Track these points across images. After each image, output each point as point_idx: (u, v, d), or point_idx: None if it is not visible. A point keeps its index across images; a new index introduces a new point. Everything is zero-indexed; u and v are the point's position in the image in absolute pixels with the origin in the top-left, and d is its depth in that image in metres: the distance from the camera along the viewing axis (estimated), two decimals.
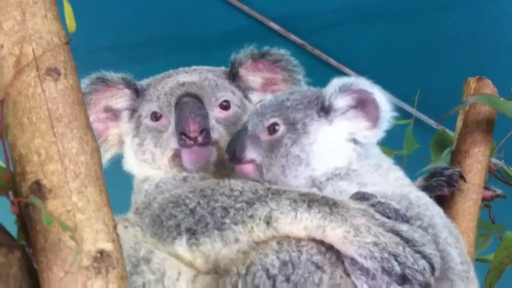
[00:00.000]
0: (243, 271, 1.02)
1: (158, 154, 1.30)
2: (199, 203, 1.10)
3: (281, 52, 1.41)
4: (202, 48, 2.74)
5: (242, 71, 1.40)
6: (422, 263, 0.96)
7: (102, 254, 0.87)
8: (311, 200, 1.04)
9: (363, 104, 1.15)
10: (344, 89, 1.15)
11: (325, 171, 1.16)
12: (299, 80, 1.42)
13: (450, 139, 1.59)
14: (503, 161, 1.66)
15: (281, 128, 1.17)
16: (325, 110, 1.16)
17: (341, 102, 1.15)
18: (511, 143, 1.56)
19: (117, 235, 0.91)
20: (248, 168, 1.18)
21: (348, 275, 1.00)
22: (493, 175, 1.56)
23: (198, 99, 1.29)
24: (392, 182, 1.18)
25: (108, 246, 0.88)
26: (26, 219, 0.89)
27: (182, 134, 1.25)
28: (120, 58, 2.76)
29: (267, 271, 1.00)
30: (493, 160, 1.60)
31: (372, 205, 1.04)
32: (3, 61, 0.91)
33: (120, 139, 1.41)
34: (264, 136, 1.18)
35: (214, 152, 1.28)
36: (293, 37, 2.77)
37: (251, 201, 1.07)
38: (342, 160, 1.16)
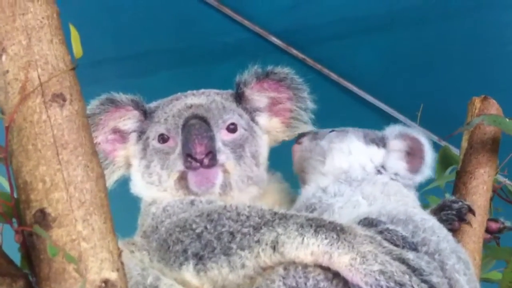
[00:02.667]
0: None
1: (165, 176, 1.30)
2: (206, 227, 1.09)
3: (285, 70, 1.41)
4: (203, 62, 2.74)
5: (247, 92, 1.40)
6: None
7: (106, 284, 0.86)
8: (318, 226, 1.03)
9: (412, 152, 1.31)
10: (403, 134, 1.32)
11: (329, 171, 1.29)
12: (304, 98, 1.42)
13: (454, 157, 1.59)
14: (506, 179, 1.65)
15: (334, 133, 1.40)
16: (377, 144, 1.34)
17: (397, 144, 1.32)
18: None
19: (122, 263, 0.90)
20: (296, 147, 1.44)
21: None
22: (496, 193, 1.56)
23: (205, 121, 1.29)
24: (393, 201, 1.20)
25: (112, 276, 0.87)
26: (30, 247, 0.88)
27: (188, 156, 1.24)
28: (121, 71, 2.75)
29: None
30: (497, 176, 1.60)
31: (380, 232, 1.04)
32: (8, 87, 0.90)
33: (127, 161, 1.40)
34: (321, 135, 1.41)
35: (220, 174, 1.27)
36: (294, 51, 2.76)
37: (257, 226, 1.06)
38: (346, 166, 1.30)
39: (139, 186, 1.36)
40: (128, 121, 1.37)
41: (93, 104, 1.33)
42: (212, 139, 1.26)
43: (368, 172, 1.29)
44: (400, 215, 1.11)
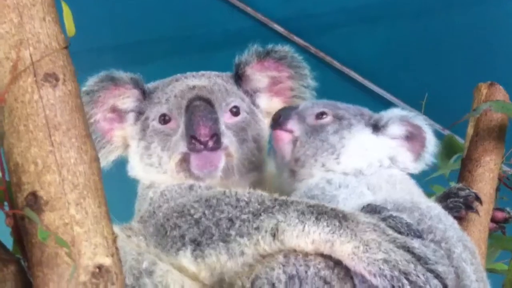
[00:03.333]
0: (248, 285, 0.99)
1: (165, 158, 1.27)
2: (204, 213, 1.07)
3: (285, 49, 1.39)
4: (205, 49, 2.71)
5: (248, 71, 1.37)
6: (434, 282, 0.92)
7: (100, 269, 0.83)
8: (320, 213, 1.00)
9: (412, 138, 1.26)
10: (404, 119, 1.25)
11: (345, 169, 1.21)
12: (305, 75, 1.40)
13: (458, 145, 1.56)
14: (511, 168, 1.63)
15: (328, 118, 1.26)
16: (376, 128, 1.26)
17: (397, 129, 1.25)
18: None
19: (117, 248, 0.87)
20: (285, 136, 1.26)
21: None
22: (502, 182, 1.53)
23: (209, 103, 1.26)
24: (399, 190, 1.16)
25: (107, 261, 0.84)
26: (22, 231, 0.85)
27: (192, 137, 1.21)
28: (121, 59, 2.72)
29: (272, 285, 0.97)
30: (502, 166, 1.57)
31: (384, 219, 1.01)
32: None
33: (125, 142, 1.37)
34: (311, 119, 1.26)
35: (223, 158, 1.25)
36: (296, 39, 2.73)
37: (257, 212, 1.04)
38: (365, 164, 1.22)
39: (137, 168, 1.33)
40: (127, 99, 1.34)
41: (92, 80, 1.30)
42: (216, 121, 1.23)
43: (381, 165, 1.23)
44: (406, 203, 1.09)
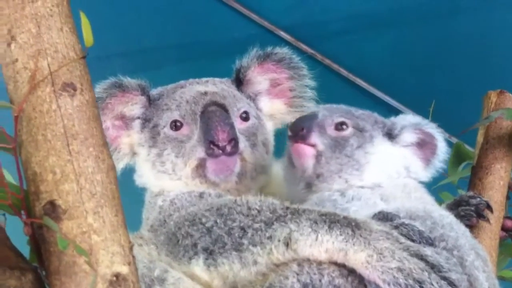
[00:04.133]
0: None
1: (180, 164, 1.27)
2: (216, 222, 1.07)
3: (285, 50, 1.40)
4: (211, 56, 2.71)
5: (249, 75, 1.38)
6: None
7: (118, 278, 0.84)
8: (333, 221, 1.00)
9: (423, 145, 1.26)
10: (417, 128, 1.25)
11: (365, 184, 1.19)
12: (304, 75, 1.40)
13: (468, 153, 1.56)
14: None
15: (349, 129, 1.22)
16: (390, 136, 1.25)
17: (409, 137, 1.25)
18: None
19: (133, 257, 0.88)
20: (308, 150, 1.20)
21: None
22: None
23: (223, 108, 1.27)
24: (413, 199, 1.17)
25: (124, 269, 0.84)
26: (40, 240, 0.86)
27: (211, 143, 1.22)
28: (129, 65, 2.73)
29: None
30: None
31: (396, 227, 1.01)
32: (18, 76, 0.88)
33: (132, 149, 1.37)
34: (331, 130, 1.22)
35: (238, 162, 1.26)
36: (303, 46, 2.74)
37: (269, 221, 1.04)
38: (385, 177, 1.21)
39: (147, 176, 1.33)
40: (135, 106, 1.34)
41: (100, 88, 1.30)
42: (233, 126, 1.24)
43: (398, 176, 1.23)
44: (418, 211, 1.09)
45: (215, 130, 1.21)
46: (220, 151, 1.22)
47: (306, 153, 1.21)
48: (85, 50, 0.91)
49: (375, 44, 2.73)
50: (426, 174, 1.28)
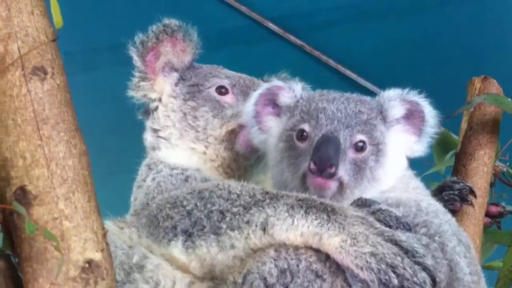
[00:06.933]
0: (239, 280, 0.98)
1: (216, 124, 1.31)
2: (196, 205, 1.07)
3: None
4: (200, 49, 2.70)
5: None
6: (422, 275, 0.92)
7: (90, 264, 0.83)
8: (309, 206, 1.00)
9: (411, 115, 1.21)
10: (401, 99, 1.21)
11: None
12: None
13: (454, 141, 1.55)
14: (507, 164, 1.62)
15: (368, 148, 1.15)
16: (383, 119, 1.20)
17: (397, 110, 1.20)
18: None
19: (107, 244, 0.87)
20: (332, 184, 1.10)
21: (349, 285, 0.95)
22: (498, 178, 1.52)
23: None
24: (411, 190, 1.16)
25: (97, 256, 0.83)
26: (11, 227, 0.85)
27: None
28: (117, 58, 2.71)
29: (264, 280, 0.96)
30: (497, 163, 1.56)
31: (373, 213, 1.01)
32: None
33: (160, 93, 1.36)
34: (351, 153, 1.13)
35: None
36: (292, 38, 2.73)
37: (248, 206, 1.03)
38: (395, 178, 1.18)
39: (169, 131, 1.33)
40: (186, 57, 1.36)
41: (172, 22, 1.37)
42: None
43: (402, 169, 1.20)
44: (408, 201, 1.08)
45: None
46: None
47: (331, 188, 1.10)
48: (56, 33, 0.89)
49: (363, 35, 2.73)
50: (421, 147, 1.22)
